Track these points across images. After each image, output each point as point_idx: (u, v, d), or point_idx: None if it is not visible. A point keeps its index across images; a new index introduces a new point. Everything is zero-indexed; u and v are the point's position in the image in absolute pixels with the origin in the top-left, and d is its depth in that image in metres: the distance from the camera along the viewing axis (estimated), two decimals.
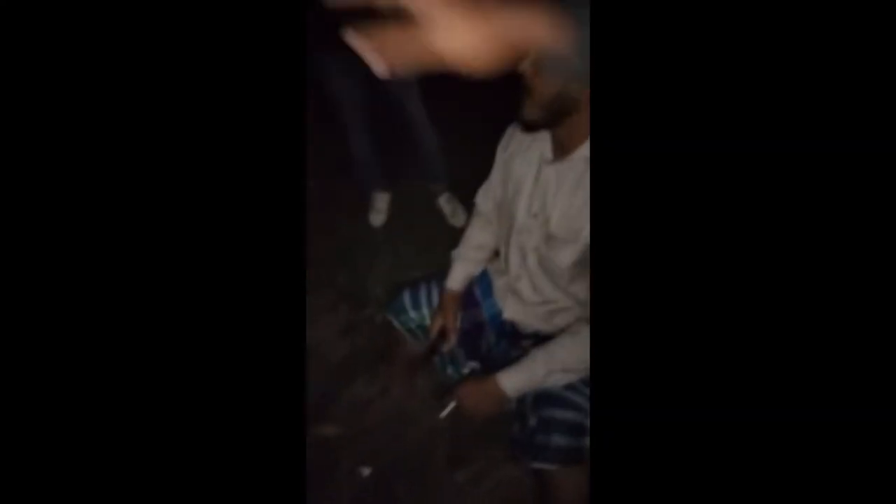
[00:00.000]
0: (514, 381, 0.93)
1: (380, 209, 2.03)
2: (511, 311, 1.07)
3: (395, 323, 1.19)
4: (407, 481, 1.27)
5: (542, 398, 0.95)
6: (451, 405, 1.01)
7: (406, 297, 1.18)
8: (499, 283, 1.12)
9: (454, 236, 1.19)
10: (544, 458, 0.90)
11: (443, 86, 1.62)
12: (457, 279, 1.13)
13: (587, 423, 0.92)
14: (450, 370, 1.21)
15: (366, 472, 1.31)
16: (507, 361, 1.04)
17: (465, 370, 1.17)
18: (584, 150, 0.82)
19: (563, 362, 0.91)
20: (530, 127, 0.81)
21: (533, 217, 0.93)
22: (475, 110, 1.60)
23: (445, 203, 2.00)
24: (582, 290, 0.94)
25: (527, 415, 0.96)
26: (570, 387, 0.94)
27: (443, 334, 1.13)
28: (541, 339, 1.02)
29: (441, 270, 1.17)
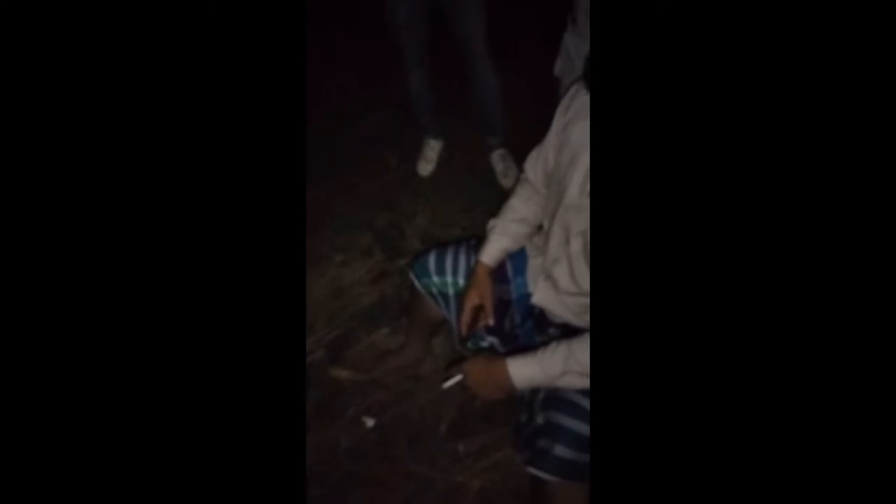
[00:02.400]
0: (524, 372, 0.84)
1: (429, 158, 1.94)
2: (541, 296, 0.97)
3: (417, 285, 1.14)
4: (408, 441, 1.26)
5: (554, 399, 0.85)
6: (456, 378, 0.95)
7: (431, 261, 1.11)
8: (534, 263, 1.02)
9: (502, 198, 1.09)
10: (543, 466, 0.82)
11: (512, 39, 1.49)
12: (491, 254, 1.02)
13: None
14: (469, 342, 1.15)
15: (370, 423, 1.30)
16: (529, 345, 0.97)
17: (484, 343, 1.12)
18: None
19: (583, 365, 0.80)
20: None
21: (587, 196, 0.81)
22: (545, 62, 1.44)
23: (499, 160, 1.88)
24: None
25: (535, 410, 0.89)
26: (587, 393, 0.84)
27: (478, 311, 1.04)
28: (570, 331, 0.93)
29: (477, 236, 1.09)
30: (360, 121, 2.19)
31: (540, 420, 0.85)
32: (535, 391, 0.91)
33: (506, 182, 1.86)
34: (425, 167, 1.94)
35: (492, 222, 1.05)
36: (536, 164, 1.00)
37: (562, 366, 0.81)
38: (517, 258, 1.06)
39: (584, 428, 0.82)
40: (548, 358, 0.83)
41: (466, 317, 1.02)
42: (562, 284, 0.92)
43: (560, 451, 0.81)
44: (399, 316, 1.52)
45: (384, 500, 1.16)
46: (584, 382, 0.82)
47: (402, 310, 1.52)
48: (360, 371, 1.39)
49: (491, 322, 1.03)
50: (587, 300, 0.91)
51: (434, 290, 1.12)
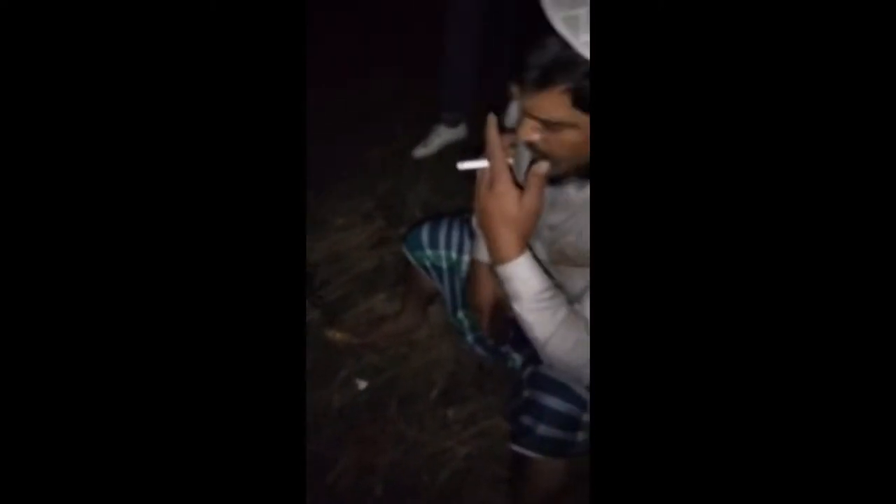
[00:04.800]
0: (524, 272, 0.69)
1: (431, 145, 1.89)
2: None
3: (410, 257, 1.15)
4: (399, 404, 1.29)
5: (540, 378, 0.85)
6: (477, 164, 0.73)
7: (424, 234, 1.11)
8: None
9: None
10: (527, 443, 0.83)
11: None
12: (486, 249, 1.00)
13: (585, 418, 0.81)
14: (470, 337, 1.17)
15: (362, 384, 1.34)
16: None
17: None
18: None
19: (581, 329, 0.71)
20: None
21: (549, 229, 0.79)
22: None
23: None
24: None
25: (522, 385, 0.91)
26: (575, 378, 0.79)
27: (479, 311, 0.98)
28: None
29: (461, 210, 1.09)
30: (369, 87, 2.16)
31: (526, 394, 0.87)
32: (524, 366, 0.94)
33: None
34: (421, 151, 1.89)
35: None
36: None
37: (563, 313, 0.71)
38: None
39: (568, 408, 0.81)
40: (557, 300, 0.71)
41: (487, 320, 0.95)
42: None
43: (543, 430, 0.82)
44: (397, 283, 1.54)
45: (373, 459, 1.20)
46: (575, 354, 0.72)
47: (400, 277, 1.54)
48: (355, 335, 1.42)
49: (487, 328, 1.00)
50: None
51: (427, 262, 1.13)
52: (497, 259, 0.70)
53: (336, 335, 1.43)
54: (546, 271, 0.73)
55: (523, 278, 0.69)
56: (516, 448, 0.85)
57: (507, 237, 0.68)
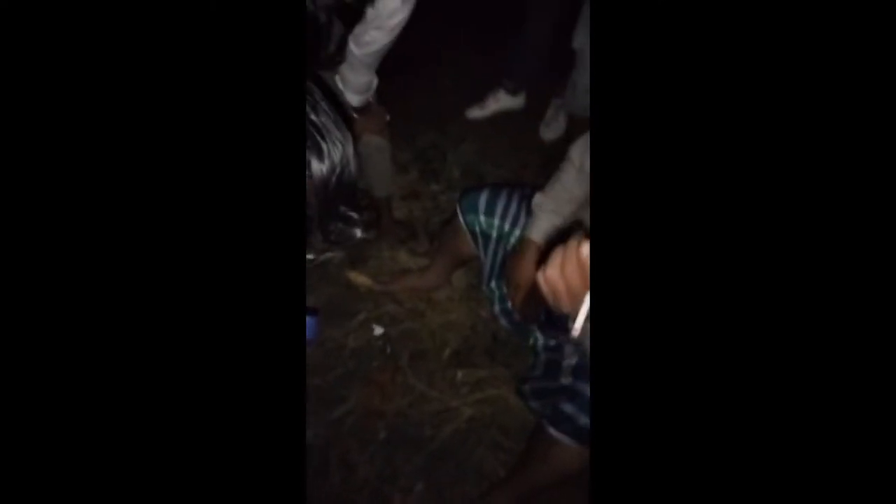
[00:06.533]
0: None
1: (487, 108, 1.86)
2: None
3: (461, 219, 1.14)
4: (411, 357, 1.32)
5: (588, 370, 0.88)
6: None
7: (482, 199, 1.11)
8: None
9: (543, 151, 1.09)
10: (567, 430, 0.86)
11: None
12: (541, 229, 0.99)
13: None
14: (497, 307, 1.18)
15: (378, 330, 1.36)
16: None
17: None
18: None
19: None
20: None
21: None
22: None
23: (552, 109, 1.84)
24: None
25: (561, 371, 0.93)
26: None
27: (517, 287, 1.01)
28: None
29: (533, 185, 1.09)
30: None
31: (565, 382, 0.90)
32: (561, 353, 0.96)
33: (545, 132, 1.83)
34: (476, 112, 1.86)
35: (539, 198, 1.02)
36: (585, 152, 0.97)
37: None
38: None
39: None
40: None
41: (522, 298, 0.99)
42: None
43: (585, 421, 0.85)
44: (425, 239, 1.54)
45: (380, 403, 1.24)
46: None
47: (431, 236, 1.54)
48: (377, 281, 1.43)
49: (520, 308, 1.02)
50: None
51: (477, 228, 1.13)
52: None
53: (358, 278, 1.44)
54: None
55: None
56: (553, 432, 0.88)
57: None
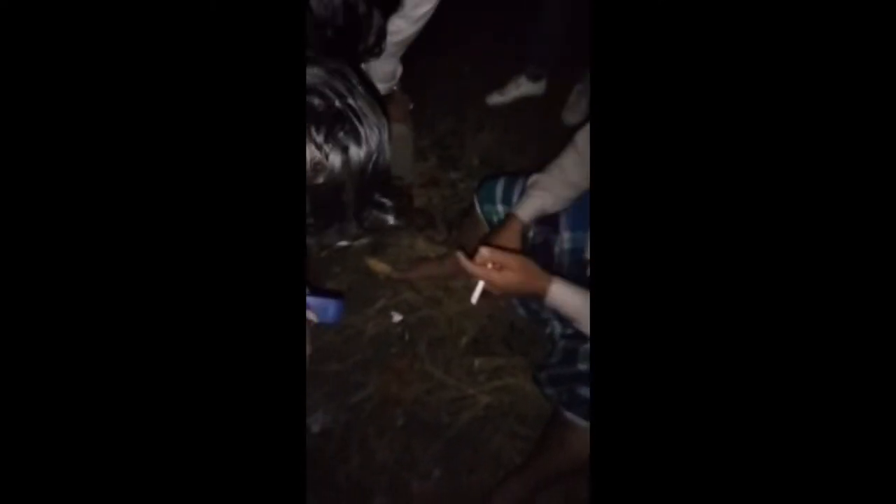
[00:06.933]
0: (564, 296, 0.80)
1: (508, 94, 1.84)
2: None
3: (478, 208, 1.14)
4: (429, 344, 1.33)
5: None
6: (479, 286, 0.84)
7: (499, 188, 1.10)
8: None
9: (564, 134, 1.07)
10: (582, 413, 0.87)
11: None
12: (528, 207, 0.99)
13: None
14: None
15: (397, 317, 1.37)
16: None
17: None
18: None
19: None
20: None
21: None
22: None
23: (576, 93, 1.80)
24: None
25: (578, 357, 0.93)
26: None
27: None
28: None
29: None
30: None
31: (582, 367, 0.89)
32: (578, 340, 0.96)
33: (567, 116, 1.80)
34: (496, 98, 1.84)
35: (535, 176, 1.01)
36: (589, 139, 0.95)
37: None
38: (577, 210, 1.05)
39: None
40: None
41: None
42: None
43: None
44: (444, 228, 1.54)
45: (398, 390, 1.25)
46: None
47: (449, 225, 1.54)
48: (396, 269, 1.44)
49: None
50: None
51: (495, 218, 1.13)
52: (540, 298, 0.82)
53: (377, 265, 1.45)
54: None
55: (566, 305, 0.81)
56: (569, 415, 0.89)
57: (532, 285, 0.80)
